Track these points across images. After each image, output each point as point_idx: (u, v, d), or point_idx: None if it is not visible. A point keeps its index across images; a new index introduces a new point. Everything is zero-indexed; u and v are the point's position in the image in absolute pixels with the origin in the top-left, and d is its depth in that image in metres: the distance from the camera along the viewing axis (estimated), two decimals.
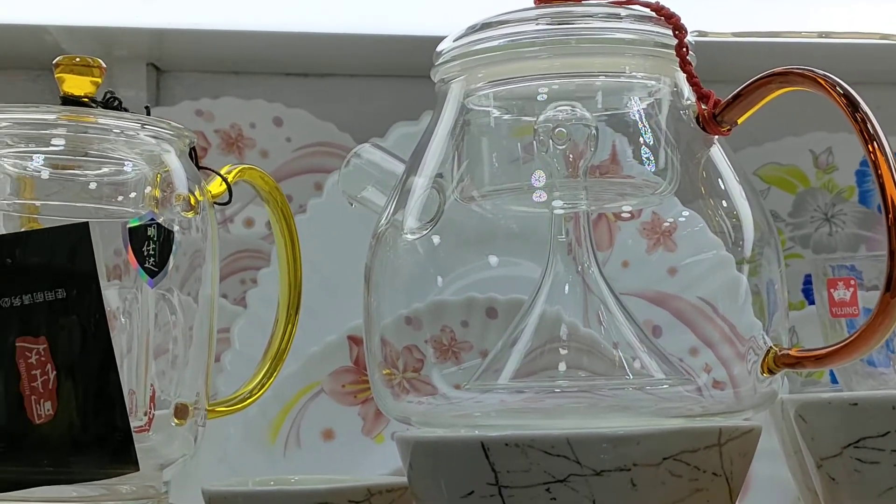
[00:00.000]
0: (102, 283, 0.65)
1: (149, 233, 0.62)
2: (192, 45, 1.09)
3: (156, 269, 0.63)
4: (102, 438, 0.60)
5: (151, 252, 0.62)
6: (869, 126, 0.58)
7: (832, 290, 0.79)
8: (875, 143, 0.58)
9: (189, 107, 1.08)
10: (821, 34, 0.64)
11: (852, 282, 0.79)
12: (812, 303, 0.99)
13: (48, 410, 0.59)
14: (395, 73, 1.12)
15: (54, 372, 0.59)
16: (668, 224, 0.75)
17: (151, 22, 1.02)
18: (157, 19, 1.01)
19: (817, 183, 1.13)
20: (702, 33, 0.65)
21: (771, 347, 0.62)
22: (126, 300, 0.67)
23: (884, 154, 0.57)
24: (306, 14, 1.02)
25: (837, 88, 0.58)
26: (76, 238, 0.60)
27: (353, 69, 1.13)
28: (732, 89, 0.63)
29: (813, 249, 1.12)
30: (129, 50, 1.08)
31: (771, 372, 0.61)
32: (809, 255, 1.12)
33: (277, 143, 1.09)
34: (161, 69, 1.14)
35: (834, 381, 0.89)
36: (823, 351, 0.59)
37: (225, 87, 1.12)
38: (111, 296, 0.66)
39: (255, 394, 0.71)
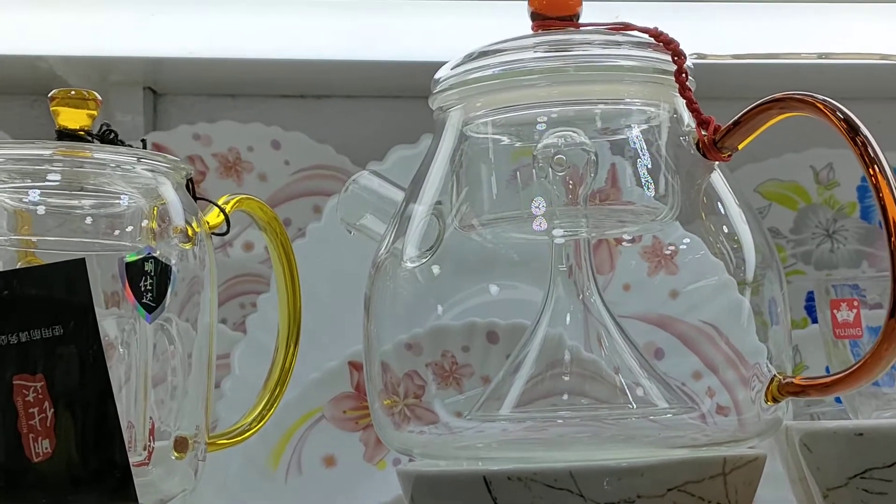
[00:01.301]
0: (100, 312, 0.64)
1: (146, 267, 0.62)
2: (188, 71, 1.09)
3: (153, 305, 0.62)
4: (101, 475, 0.59)
5: (149, 287, 0.62)
6: (870, 150, 0.57)
7: (835, 311, 0.79)
8: (876, 166, 0.57)
9: (186, 131, 1.08)
10: (819, 55, 0.64)
11: (855, 303, 0.78)
12: (815, 321, 0.98)
13: (46, 448, 0.58)
14: (392, 95, 1.12)
15: (52, 409, 0.59)
16: (669, 249, 0.74)
17: (147, 50, 1.02)
18: (153, 47, 1.01)
19: (818, 199, 1.13)
20: (701, 56, 0.65)
21: (775, 375, 0.61)
22: (124, 330, 0.66)
23: (885, 177, 0.57)
24: (302, 41, 1.02)
25: (837, 113, 0.58)
26: (73, 274, 0.59)
27: (349, 91, 1.13)
28: (732, 108, 0.63)
29: (815, 266, 1.12)
30: (126, 75, 1.08)
31: (775, 400, 0.61)
32: (811, 271, 1.11)
33: (276, 167, 1.08)
34: (158, 93, 1.14)
35: (838, 400, 0.89)
36: (828, 379, 0.59)
37: (222, 111, 1.12)
38: (109, 325, 0.66)
39: (256, 426, 0.71)
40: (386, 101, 1.13)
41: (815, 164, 1.13)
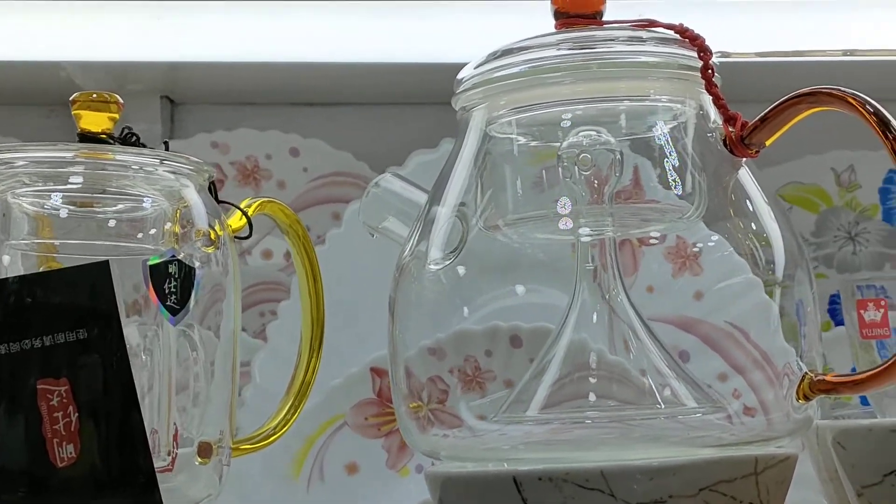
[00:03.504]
0: (122, 320, 0.64)
1: (170, 270, 0.61)
2: (205, 78, 1.09)
3: (177, 307, 0.62)
4: (126, 480, 0.59)
5: (173, 289, 0.61)
6: None
7: (862, 312, 0.78)
8: None
9: (204, 139, 1.07)
10: (845, 52, 0.63)
11: (882, 302, 0.78)
12: (838, 323, 0.97)
13: (70, 453, 0.58)
14: (410, 101, 1.12)
15: (76, 414, 0.58)
16: (694, 248, 0.74)
17: (164, 56, 1.01)
18: (170, 53, 1.01)
19: (840, 201, 1.12)
20: (724, 54, 0.64)
21: (806, 373, 0.60)
22: (146, 337, 0.66)
23: None
24: (319, 44, 1.02)
25: (868, 107, 0.58)
26: (96, 277, 0.59)
27: (368, 97, 1.13)
28: (757, 109, 0.62)
29: (837, 269, 1.11)
30: (143, 83, 1.08)
31: (807, 398, 0.60)
32: (833, 274, 1.10)
33: (294, 174, 1.08)
34: (175, 101, 1.13)
35: (864, 402, 0.88)
36: (861, 376, 0.58)
37: (240, 119, 1.11)
38: (131, 332, 0.66)
39: (280, 430, 0.70)
40: (404, 107, 1.13)
41: (837, 167, 1.12)
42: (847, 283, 0.82)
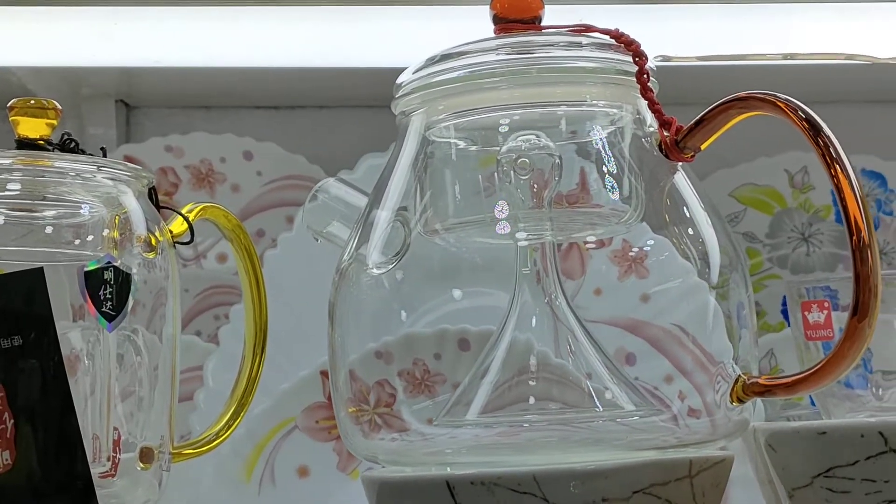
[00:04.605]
0: (67, 324, 0.64)
1: (105, 276, 0.61)
2: (160, 82, 1.09)
3: (113, 314, 0.62)
4: (63, 487, 0.59)
5: (108, 296, 0.61)
6: (832, 150, 0.57)
7: (806, 313, 0.78)
8: (838, 166, 0.57)
9: (158, 143, 1.08)
10: (786, 56, 0.64)
11: (826, 304, 0.78)
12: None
13: (6, 460, 0.58)
14: (363, 104, 1.12)
15: (12, 420, 0.58)
16: (636, 251, 0.74)
17: (117, 60, 1.01)
18: (123, 57, 1.01)
19: (794, 203, 1.13)
20: (666, 58, 0.64)
21: (740, 376, 0.61)
22: (89, 342, 0.66)
23: (847, 177, 0.57)
24: (273, 49, 1.02)
25: (799, 112, 0.58)
26: (31, 284, 0.59)
27: (320, 101, 1.13)
28: (699, 113, 0.62)
29: (791, 270, 1.11)
30: (97, 88, 1.08)
31: (740, 401, 0.60)
32: (788, 275, 1.11)
33: (248, 178, 1.08)
34: (130, 105, 1.13)
35: (814, 403, 0.88)
36: (792, 378, 0.59)
37: (195, 122, 1.11)
38: (75, 337, 0.66)
39: (222, 435, 0.70)
40: (358, 110, 1.13)
41: (790, 168, 1.13)
42: (793, 284, 0.82)
